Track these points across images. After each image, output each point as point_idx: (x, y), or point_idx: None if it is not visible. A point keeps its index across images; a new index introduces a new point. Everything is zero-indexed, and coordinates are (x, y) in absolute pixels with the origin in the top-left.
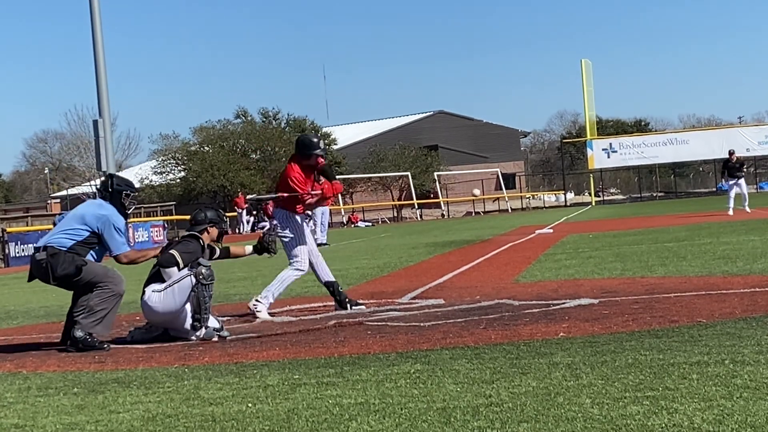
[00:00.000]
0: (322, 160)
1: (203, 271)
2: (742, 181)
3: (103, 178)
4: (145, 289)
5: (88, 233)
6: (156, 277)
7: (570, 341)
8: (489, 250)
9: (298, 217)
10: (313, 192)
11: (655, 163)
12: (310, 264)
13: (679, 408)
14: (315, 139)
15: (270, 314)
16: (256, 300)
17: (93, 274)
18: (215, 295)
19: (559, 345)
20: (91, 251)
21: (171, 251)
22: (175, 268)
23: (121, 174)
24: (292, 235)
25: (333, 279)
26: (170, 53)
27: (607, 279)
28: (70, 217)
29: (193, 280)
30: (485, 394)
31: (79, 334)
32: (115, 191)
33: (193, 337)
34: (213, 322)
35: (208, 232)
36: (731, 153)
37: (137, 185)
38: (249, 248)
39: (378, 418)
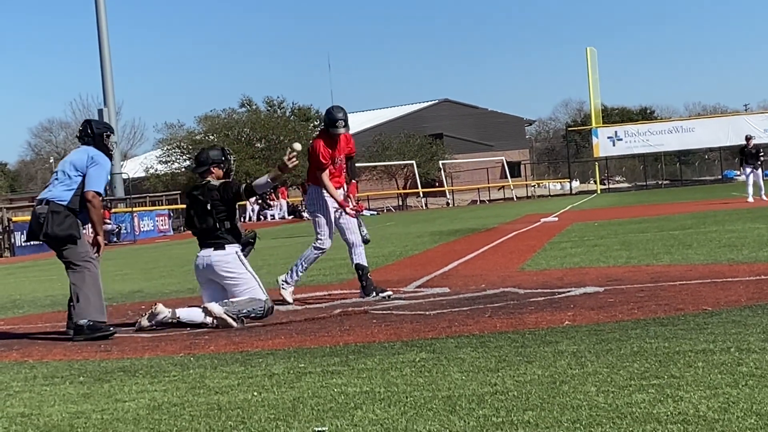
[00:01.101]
0: (342, 131)
1: (269, 306)
2: (759, 169)
3: (81, 127)
4: (226, 246)
5: (81, 179)
6: (235, 236)
7: (575, 329)
8: (494, 238)
9: (326, 195)
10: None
11: (661, 151)
12: (347, 245)
13: (685, 396)
14: (339, 114)
15: (279, 302)
16: (284, 280)
17: (81, 248)
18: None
19: (564, 333)
20: (84, 209)
21: (243, 185)
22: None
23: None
24: (318, 213)
25: (365, 263)
26: (175, 42)
27: (613, 267)
28: (64, 166)
29: (262, 302)
30: (490, 382)
31: (81, 322)
32: (96, 134)
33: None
34: (195, 316)
35: (212, 173)
36: (748, 139)
37: (142, 174)
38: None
39: (383, 406)
